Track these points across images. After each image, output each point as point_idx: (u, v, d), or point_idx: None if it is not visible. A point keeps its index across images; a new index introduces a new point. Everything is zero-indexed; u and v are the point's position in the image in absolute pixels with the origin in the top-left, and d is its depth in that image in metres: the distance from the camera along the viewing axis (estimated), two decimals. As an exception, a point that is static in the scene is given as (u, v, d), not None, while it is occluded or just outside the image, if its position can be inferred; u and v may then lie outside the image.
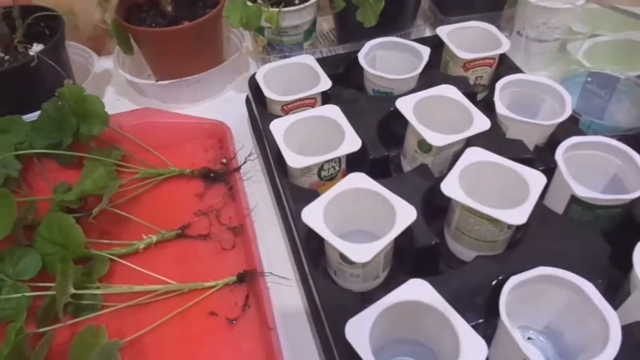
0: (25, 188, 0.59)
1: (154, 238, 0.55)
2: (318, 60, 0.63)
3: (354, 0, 0.68)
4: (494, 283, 0.43)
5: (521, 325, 0.43)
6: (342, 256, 0.43)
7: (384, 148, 0.56)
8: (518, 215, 0.43)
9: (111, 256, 0.52)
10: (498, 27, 0.67)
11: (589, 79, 0.64)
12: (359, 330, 0.37)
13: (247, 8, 0.66)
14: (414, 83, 0.63)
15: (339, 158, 0.52)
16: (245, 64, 0.81)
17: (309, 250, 0.48)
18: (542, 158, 0.54)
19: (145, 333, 0.47)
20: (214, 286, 0.51)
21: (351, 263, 0.43)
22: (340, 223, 0.46)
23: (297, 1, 0.71)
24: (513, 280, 0.38)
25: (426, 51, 0.64)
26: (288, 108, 0.60)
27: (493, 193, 0.46)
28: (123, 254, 0.53)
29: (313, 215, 0.43)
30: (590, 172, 0.51)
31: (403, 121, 0.54)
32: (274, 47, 0.75)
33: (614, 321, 0.36)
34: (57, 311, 0.45)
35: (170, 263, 0.54)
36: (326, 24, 0.86)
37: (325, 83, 0.60)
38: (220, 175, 0.62)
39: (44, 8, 0.69)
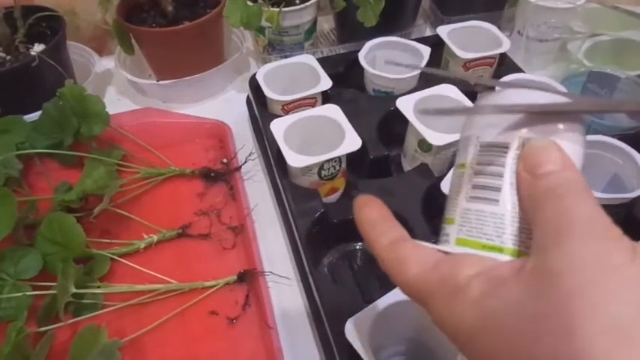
0: (26, 188, 0.59)
1: (155, 238, 0.55)
2: (319, 60, 0.63)
3: (355, 0, 0.68)
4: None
5: None
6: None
7: (384, 147, 0.56)
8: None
9: (112, 256, 0.52)
10: (499, 26, 0.67)
11: (589, 78, 0.64)
12: (359, 329, 0.37)
13: (248, 8, 0.66)
14: (415, 83, 0.63)
15: (339, 158, 0.52)
16: (246, 64, 0.81)
17: (309, 250, 0.48)
18: (542, 157, 0.53)
19: (145, 332, 0.48)
20: (215, 286, 0.51)
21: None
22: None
23: (297, 1, 0.71)
24: None
25: (426, 50, 0.64)
26: (288, 108, 0.60)
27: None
28: (124, 253, 0.53)
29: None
30: (590, 172, 0.50)
31: (403, 121, 0.54)
32: (275, 47, 0.75)
33: None
34: (58, 310, 0.46)
35: (171, 263, 0.54)
36: (326, 24, 0.86)
37: (325, 83, 0.60)
38: (221, 175, 0.62)
39: (45, 8, 0.69)
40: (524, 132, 0.23)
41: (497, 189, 0.24)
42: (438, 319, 0.22)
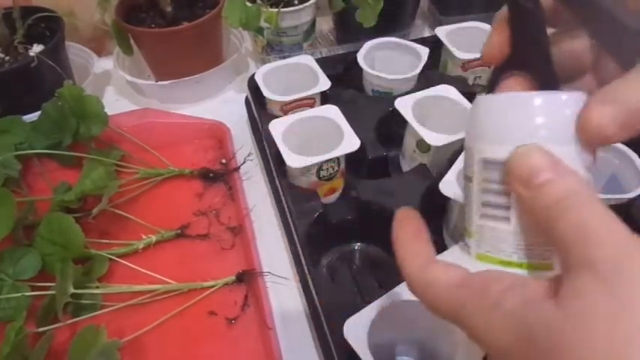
0: (25, 188, 0.59)
1: (154, 238, 0.55)
2: (318, 60, 0.63)
3: (354, 0, 0.69)
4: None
5: None
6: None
7: (383, 147, 0.56)
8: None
9: (110, 256, 0.52)
10: (497, 27, 0.67)
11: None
12: (357, 329, 0.37)
13: (246, 9, 0.66)
14: (413, 83, 0.64)
15: (337, 158, 0.52)
16: (244, 64, 0.81)
17: (308, 250, 0.48)
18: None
19: (144, 332, 0.48)
20: (213, 286, 0.51)
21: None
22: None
23: (296, 2, 0.72)
24: None
25: (424, 51, 0.64)
26: (287, 108, 0.60)
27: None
28: (122, 254, 0.53)
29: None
30: (588, 172, 0.51)
31: (402, 121, 0.54)
32: (274, 47, 0.75)
33: None
34: (57, 311, 0.46)
35: (169, 263, 0.54)
36: (325, 24, 0.86)
37: (324, 83, 0.60)
38: (220, 175, 0.62)
39: (44, 9, 0.69)
40: (516, 143, 0.22)
41: (506, 207, 0.23)
42: (475, 334, 0.22)
